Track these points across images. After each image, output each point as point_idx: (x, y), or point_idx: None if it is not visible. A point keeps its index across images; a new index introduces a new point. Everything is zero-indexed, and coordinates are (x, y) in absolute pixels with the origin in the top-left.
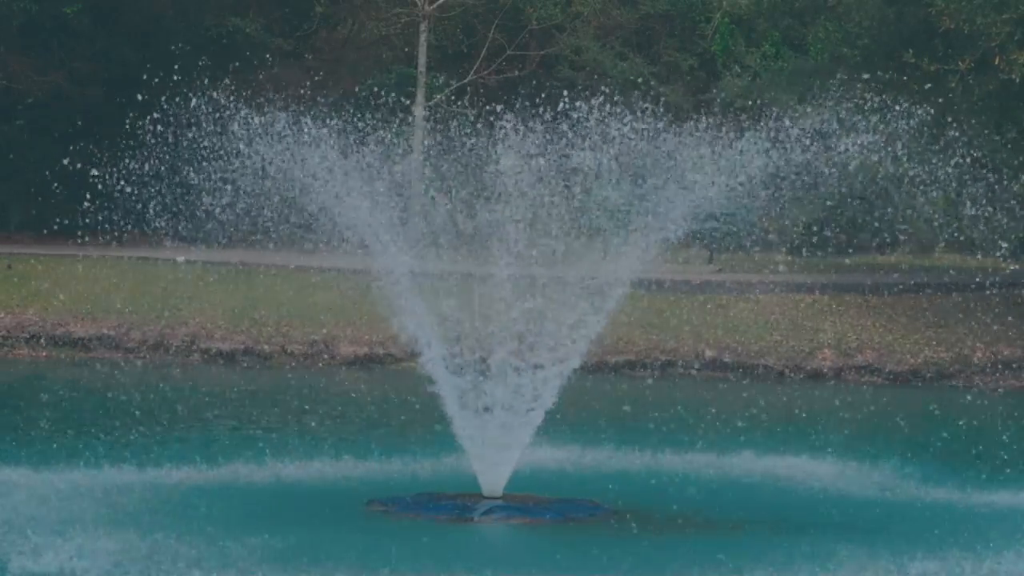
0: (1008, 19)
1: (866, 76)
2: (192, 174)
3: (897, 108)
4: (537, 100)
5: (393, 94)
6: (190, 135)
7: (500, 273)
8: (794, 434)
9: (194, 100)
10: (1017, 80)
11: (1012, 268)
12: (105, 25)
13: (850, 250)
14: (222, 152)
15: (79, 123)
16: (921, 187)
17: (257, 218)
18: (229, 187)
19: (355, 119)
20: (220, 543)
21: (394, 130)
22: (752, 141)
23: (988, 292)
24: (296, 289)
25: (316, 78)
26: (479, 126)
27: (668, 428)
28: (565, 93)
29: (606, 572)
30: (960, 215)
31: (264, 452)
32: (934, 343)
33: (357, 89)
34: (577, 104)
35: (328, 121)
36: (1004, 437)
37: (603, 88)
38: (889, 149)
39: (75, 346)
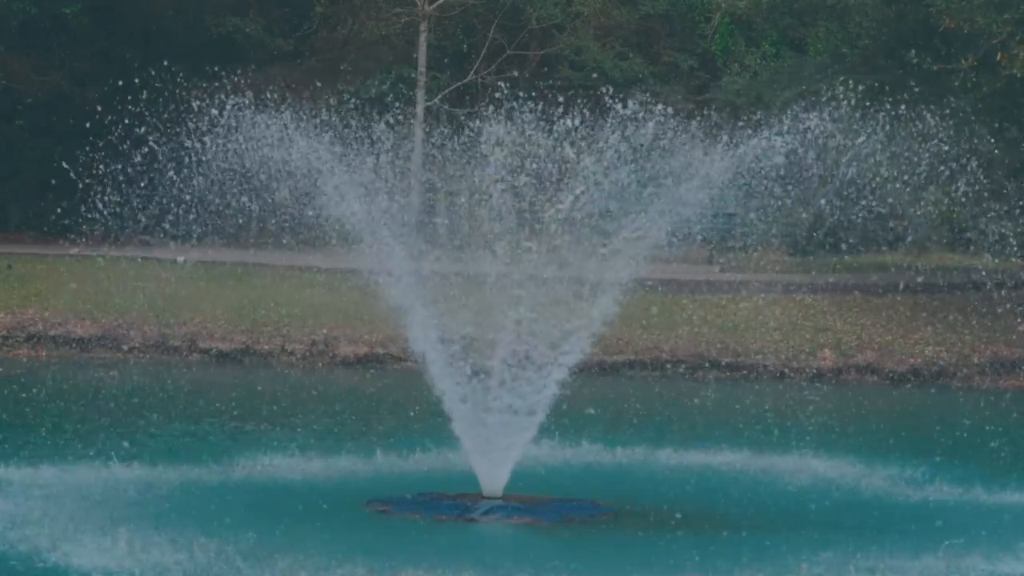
0: (1009, 19)
1: (868, 75)
2: (192, 174)
3: (899, 108)
4: (537, 99)
5: (393, 94)
6: (190, 135)
7: (500, 272)
8: (794, 434)
9: (194, 100)
10: (1020, 76)
11: (1012, 268)
12: (105, 25)
13: (850, 250)
14: (222, 152)
15: (79, 123)
16: (921, 187)
17: (257, 218)
18: (229, 187)
19: (355, 119)
20: (220, 542)
21: (394, 130)
22: (751, 141)
23: (988, 292)
24: (296, 289)
25: (316, 78)
26: (477, 125)
27: (668, 428)
28: (562, 99)
29: (606, 572)
30: (960, 215)
31: (264, 452)
32: (934, 343)
33: (357, 89)
34: (577, 104)
35: (328, 121)
36: (1004, 437)
37: (605, 89)
38: (890, 149)
39: (75, 346)
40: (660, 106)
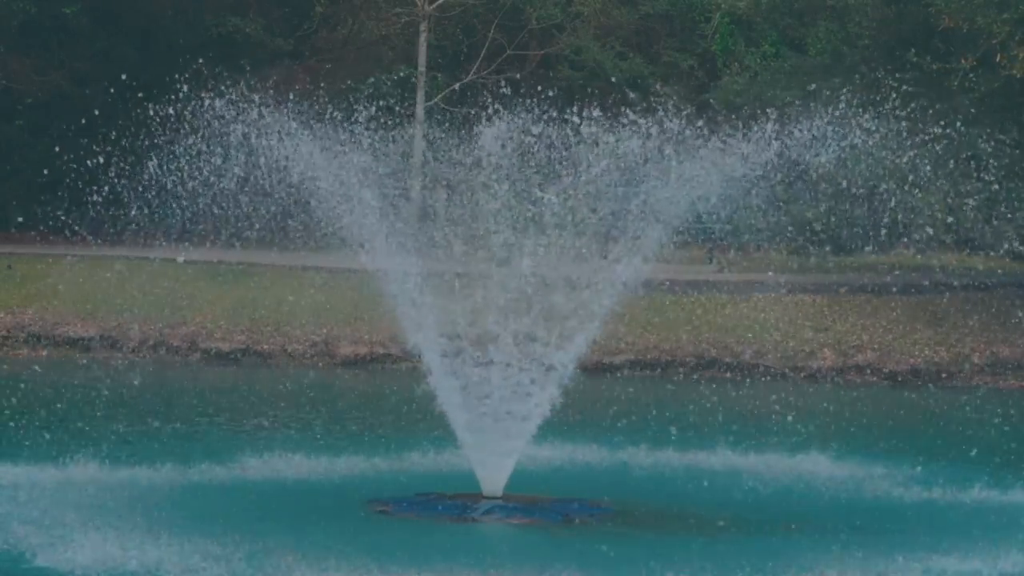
0: (1008, 19)
1: (867, 75)
2: (192, 174)
3: (898, 108)
4: (537, 99)
5: (393, 94)
6: (190, 135)
7: (499, 272)
8: (794, 434)
9: (194, 100)
10: (1019, 76)
11: (1012, 268)
12: (105, 25)
13: (850, 250)
14: (222, 152)
15: (79, 123)
16: (921, 187)
17: (257, 218)
18: (229, 187)
19: (355, 119)
20: (219, 542)
21: (394, 130)
22: (751, 140)
23: (988, 292)
24: (296, 289)
25: (316, 78)
26: (477, 125)
27: (668, 428)
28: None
29: (606, 572)
30: (960, 215)
31: (264, 452)
32: (934, 343)
33: (357, 89)
34: (576, 104)
35: (328, 121)
36: (1004, 437)
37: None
38: (889, 149)
39: (75, 346)
40: (668, 108)
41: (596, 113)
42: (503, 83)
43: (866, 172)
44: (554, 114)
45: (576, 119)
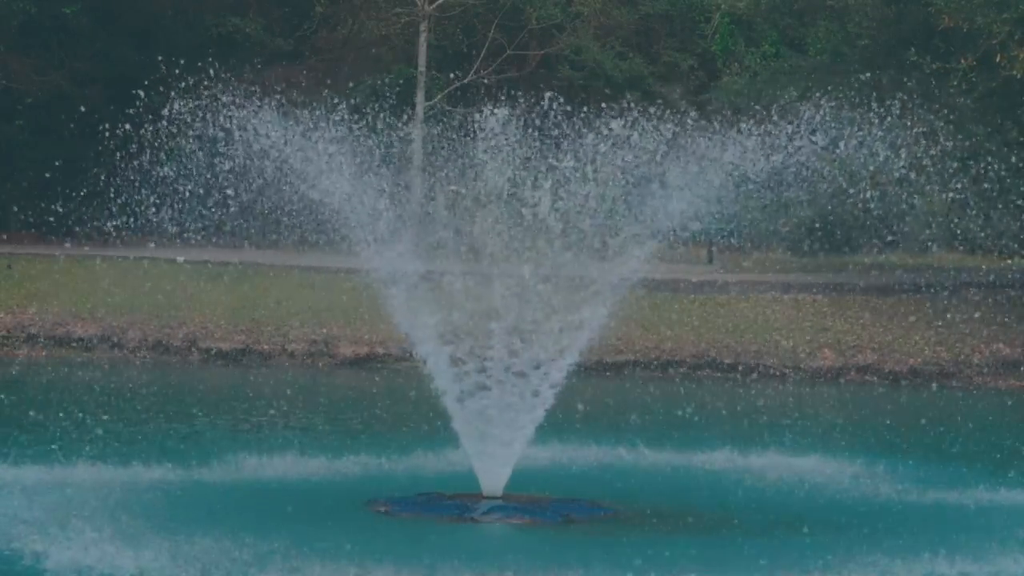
0: (1008, 18)
1: (867, 75)
2: (192, 174)
3: (898, 107)
4: (536, 99)
5: (393, 94)
6: (190, 135)
7: (500, 272)
8: (794, 434)
9: (194, 100)
10: (1018, 76)
11: (1012, 268)
12: (105, 25)
13: (850, 250)
14: (222, 152)
15: (79, 123)
16: (921, 187)
17: (258, 218)
18: (229, 187)
19: (355, 119)
20: (220, 542)
21: (394, 130)
22: (751, 141)
23: (988, 292)
24: (296, 289)
25: (316, 78)
26: (476, 126)
27: (668, 428)
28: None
29: (606, 572)
30: (960, 215)
31: (264, 452)
32: (934, 343)
33: (357, 89)
34: (576, 104)
35: (328, 121)
36: (1004, 437)
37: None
38: (889, 149)
39: (75, 346)
40: (667, 108)
41: (604, 116)
42: (503, 85)
43: (866, 172)
44: (555, 113)
45: (579, 117)
